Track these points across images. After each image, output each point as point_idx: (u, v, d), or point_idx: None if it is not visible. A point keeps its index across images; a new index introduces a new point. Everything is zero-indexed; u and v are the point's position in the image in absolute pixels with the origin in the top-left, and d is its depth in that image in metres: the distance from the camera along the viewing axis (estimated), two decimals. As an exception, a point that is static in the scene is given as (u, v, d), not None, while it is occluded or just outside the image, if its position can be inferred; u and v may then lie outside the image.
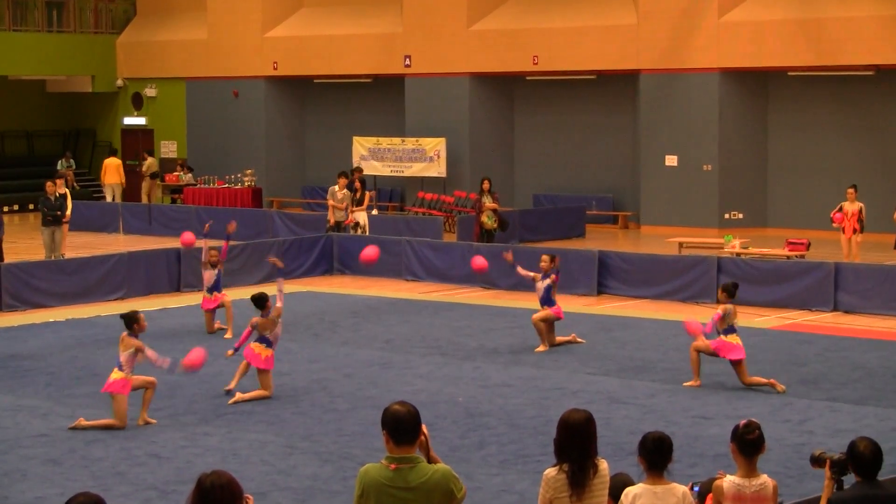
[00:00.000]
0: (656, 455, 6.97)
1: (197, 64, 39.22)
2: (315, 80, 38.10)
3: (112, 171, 37.20)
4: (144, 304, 21.44)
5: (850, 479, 7.01)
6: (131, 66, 40.98)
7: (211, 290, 18.96)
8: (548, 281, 17.21)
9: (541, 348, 17.15)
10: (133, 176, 38.69)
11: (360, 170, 27.81)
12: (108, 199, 36.78)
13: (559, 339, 17.45)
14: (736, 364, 14.93)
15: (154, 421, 13.43)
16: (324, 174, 36.67)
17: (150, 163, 38.33)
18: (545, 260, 17.38)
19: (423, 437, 6.21)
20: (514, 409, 13.97)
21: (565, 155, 34.51)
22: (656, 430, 7.28)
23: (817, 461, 7.12)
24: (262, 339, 12.99)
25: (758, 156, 31.57)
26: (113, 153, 38.68)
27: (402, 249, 24.48)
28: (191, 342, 17.96)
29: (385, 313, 20.47)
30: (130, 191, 38.37)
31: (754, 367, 16.07)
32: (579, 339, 17.67)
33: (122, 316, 13.61)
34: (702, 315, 20.40)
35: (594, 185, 33.97)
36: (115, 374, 13.31)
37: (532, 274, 17.56)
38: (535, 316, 17.30)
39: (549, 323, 17.26)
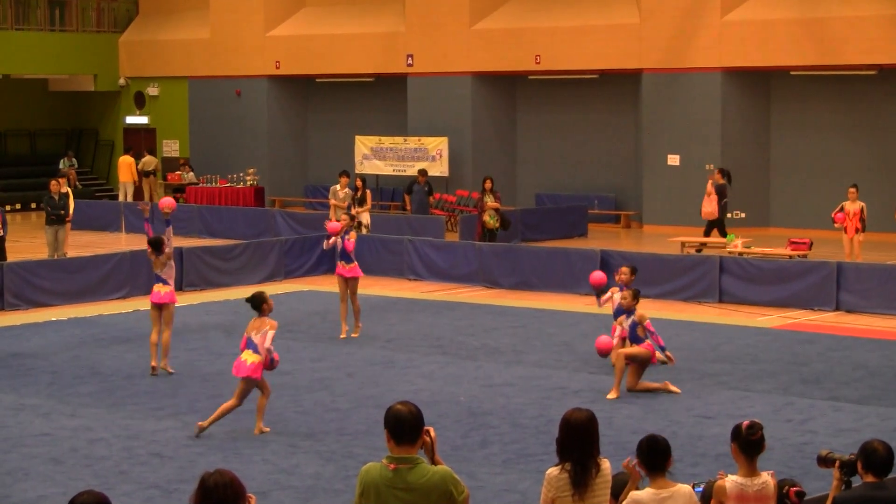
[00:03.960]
0: (653, 455, 6.96)
1: (199, 63, 39.23)
2: (317, 80, 38.11)
3: (125, 169, 37.24)
4: (146, 304, 21.42)
5: (856, 481, 7.03)
6: (134, 65, 41.00)
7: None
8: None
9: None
10: (138, 174, 38.62)
11: (364, 180, 27.58)
12: (121, 197, 36.79)
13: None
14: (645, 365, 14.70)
15: (268, 429, 13.03)
16: (326, 173, 36.67)
17: (144, 161, 38.32)
18: (625, 272, 15.81)
19: (428, 439, 6.21)
20: (516, 408, 13.98)
21: (567, 154, 34.51)
22: (651, 432, 7.30)
23: (825, 461, 7.12)
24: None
25: (760, 155, 31.56)
26: (127, 151, 38.66)
27: (404, 248, 24.49)
28: (192, 341, 17.98)
29: (387, 312, 20.47)
30: (138, 189, 38.31)
31: (756, 367, 16.10)
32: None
33: (248, 299, 13.35)
34: (704, 314, 20.43)
35: (596, 185, 33.97)
36: (253, 357, 12.83)
37: (608, 295, 15.69)
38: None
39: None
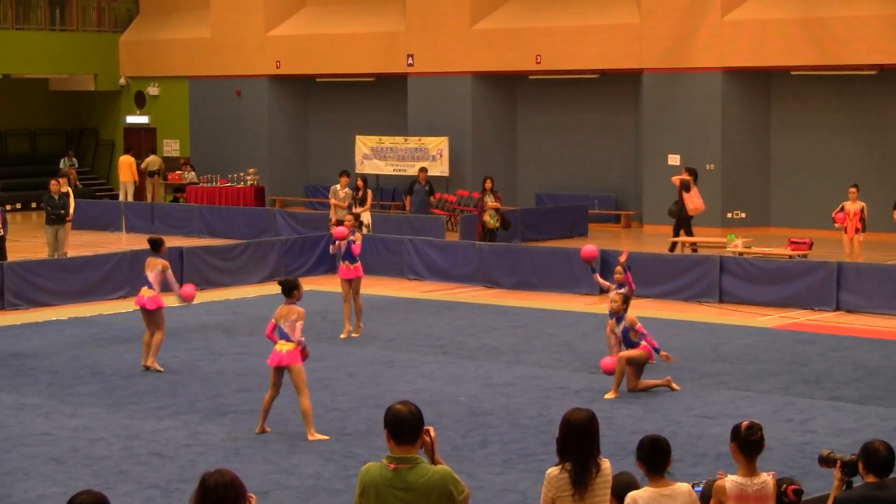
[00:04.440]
0: (654, 457, 6.97)
1: (200, 63, 39.23)
2: (318, 79, 38.11)
3: (125, 168, 37.25)
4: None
5: (857, 481, 7.03)
6: (134, 64, 41.00)
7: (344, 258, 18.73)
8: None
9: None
10: (141, 174, 38.61)
11: (365, 179, 27.66)
12: (122, 197, 36.81)
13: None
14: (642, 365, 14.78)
15: (269, 429, 13.05)
16: (326, 173, 36.67)
17: (148, 161, 38.36)
18: (619, 272, 15.83)
19: (428, 439, 6.21)
20: (516, 408, 13.98)
21: (568, 154, 34.51)
22: (652, 432, 7.30)
23: (826, 461, 7.13)
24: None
25: (760, 155, 31.56)
26: (127, 151, 38.64)
27: (404, 248, 24.49)
28: (192, 341, 17.98)
29: (387, 312, 20.47)
30: (140, 189, 38.31)
31: (756, 366, 16.10)
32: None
33: (281, 283, 13.23)
34: (704, 314, 20.43)
35: (597, 184, 33.96)
36: (286, 346, 12.80)
37: (607, 283, 16.39)
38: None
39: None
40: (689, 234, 26.62)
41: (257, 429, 12.98)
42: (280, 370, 12.89)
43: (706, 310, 20.91)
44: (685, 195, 26.47)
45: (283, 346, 12.83)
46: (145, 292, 16.10)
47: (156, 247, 16.28)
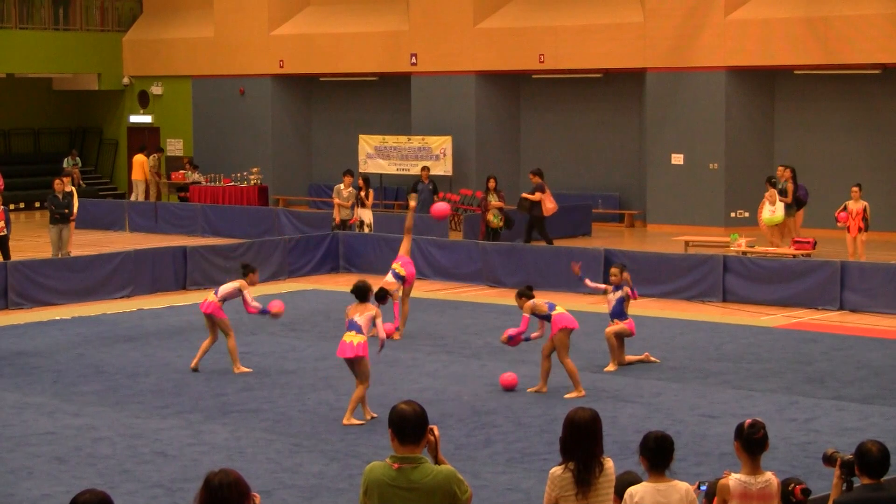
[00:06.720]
0: (658, 454, 6.98)
1: (203, 62, 39.24)
2: (321, 79, 38.12)
3: (138, 168, 37.27)
4: (151, 302, 21.50)
5: (858, 481, 7.03)
6: (137, 63, 41.02)
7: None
8: (620, 293, 15.94)
9: (610, 367, 15.82)
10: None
11: (367, 179, 27.66)
12: (134, 196, 36.83)
13: (630, 357, 16.11)
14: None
15: (358, 421, 13.36)
16: (330, 172, 36.69)
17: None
18: (615, 273, 16.09)
19: (432, 438, 6.21)
20: (519, 407, 13.98)
21: (571, 153, 34.50)
22: (657, 429, 7.30)
23: (829, 460, 7.14)
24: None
25: (764, 154, 31.54)
26: (141, 150, 38.62)
27: (407, 247, 24.48)
28: (196, 340, 17.97)
29: (391, 311, 20.44)
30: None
31: (760, 366, 16.10)
32: (653, 359, 16.30)
33: (354, 290, 13.61)
34: (708, 314, 20.43)
35: (600, 184, 33.95)
36: (357, 338, 13.13)
37: (603, 286, 16.56)
38: (609, 329, 15.91)
39: (621, 339, 15.98)
40: (544, 233, 26.62)
41: (367, 417, 13.35)
42: (352, 361, 13.18)
43: (710, 309, 20.90)
44: (542, 196, 26.59)
45: (353, 338, 13.17)
46: (210, 296, 16.13)
47: (245, 271, 16.29)
